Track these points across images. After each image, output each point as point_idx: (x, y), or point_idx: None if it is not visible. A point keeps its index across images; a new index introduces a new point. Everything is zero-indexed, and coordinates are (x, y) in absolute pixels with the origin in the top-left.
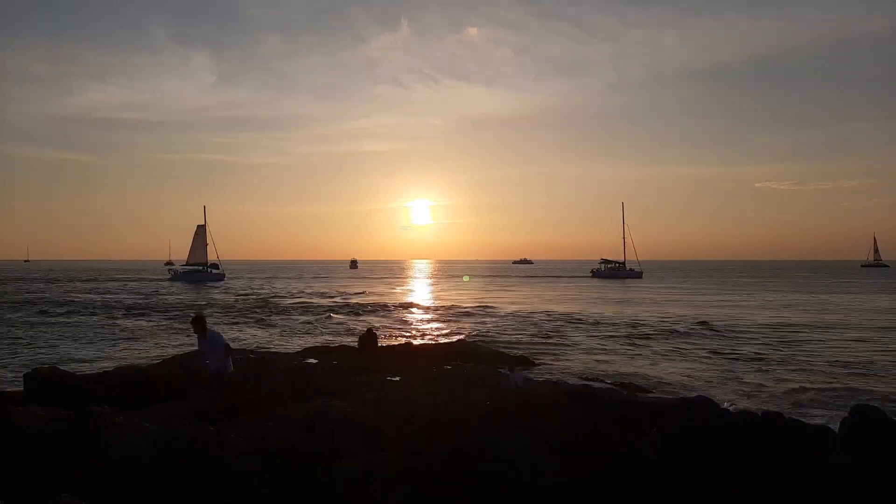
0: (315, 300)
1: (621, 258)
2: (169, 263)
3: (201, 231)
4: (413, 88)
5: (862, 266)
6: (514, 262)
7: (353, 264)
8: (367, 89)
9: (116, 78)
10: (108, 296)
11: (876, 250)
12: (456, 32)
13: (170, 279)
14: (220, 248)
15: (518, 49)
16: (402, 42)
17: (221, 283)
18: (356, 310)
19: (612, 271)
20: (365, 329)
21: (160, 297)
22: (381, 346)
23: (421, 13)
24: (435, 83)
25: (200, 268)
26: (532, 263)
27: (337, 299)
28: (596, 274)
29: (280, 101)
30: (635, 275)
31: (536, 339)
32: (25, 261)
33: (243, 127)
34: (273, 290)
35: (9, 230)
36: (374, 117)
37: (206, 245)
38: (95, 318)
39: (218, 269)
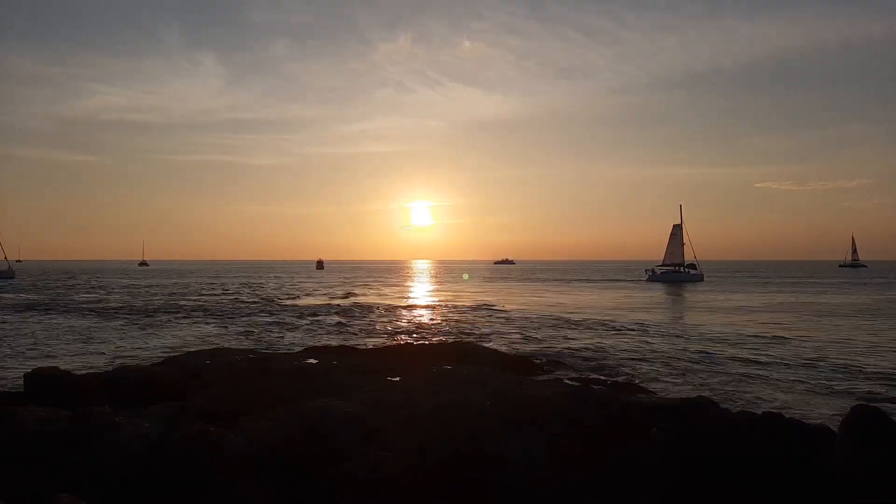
0: (318, 300)
1: None
2: (143, 263)
3: (677, 231)
4: (416, 92)
5: (840, 266)
6: (496, 263)
7: (320, 265)
8: (371, 92)
9: (125, 81)
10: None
11: (854, 251)
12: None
13: (648, 279)
14: (227, 249)
15: (520, 53)
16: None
17: (700, 283)
18: (355, 310)
19: None
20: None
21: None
22: (381, 346)
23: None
24: (438, 86)
25: (676, 268)
26: (513, 263)
27: (336, 299)
28: None
29: (286, 103)
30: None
31: (538, 339)
32: (18, 261)
33: (249, 129)
34: (268, 289)
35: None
36: (377, 120)
37: (683, 245)
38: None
39: (696, 269)
